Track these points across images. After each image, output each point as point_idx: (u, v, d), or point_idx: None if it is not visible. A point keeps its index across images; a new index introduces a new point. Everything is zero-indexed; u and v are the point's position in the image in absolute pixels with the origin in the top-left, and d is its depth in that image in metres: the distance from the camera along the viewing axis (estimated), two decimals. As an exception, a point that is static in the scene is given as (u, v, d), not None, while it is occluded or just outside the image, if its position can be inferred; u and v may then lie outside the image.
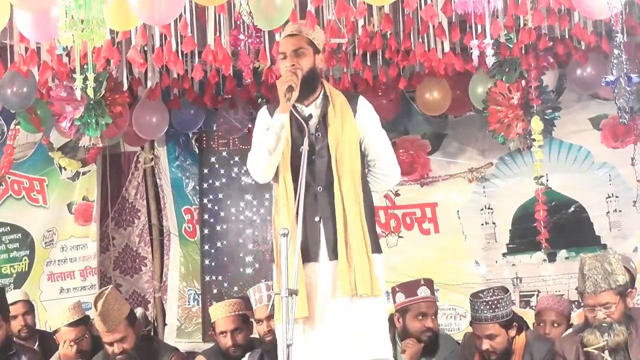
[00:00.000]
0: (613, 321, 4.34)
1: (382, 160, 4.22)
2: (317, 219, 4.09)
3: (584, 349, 4.39)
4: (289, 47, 4.12)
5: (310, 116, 4.12)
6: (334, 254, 4.06)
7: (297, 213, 3.88)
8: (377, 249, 4.16)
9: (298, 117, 4.13)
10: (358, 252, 4.00)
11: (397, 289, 5.22)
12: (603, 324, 4.34)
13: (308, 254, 4.07)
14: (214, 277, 7.12)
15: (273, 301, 4.86)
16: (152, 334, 6.89)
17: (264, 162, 4.09)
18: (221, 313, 5.42)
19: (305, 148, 3.96)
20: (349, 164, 4.07)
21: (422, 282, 5.18)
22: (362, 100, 4.23)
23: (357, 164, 4.11)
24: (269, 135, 4.07)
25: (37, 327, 6.39)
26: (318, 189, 4.10)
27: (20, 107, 5.95)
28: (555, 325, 5.31)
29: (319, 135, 4.12)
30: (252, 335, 5.51)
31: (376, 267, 4.06)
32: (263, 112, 4.24)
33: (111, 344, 5.11)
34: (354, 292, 3.98)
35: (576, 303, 5.83)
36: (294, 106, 4.12)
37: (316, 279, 4.08)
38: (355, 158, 4.10)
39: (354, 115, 4.15)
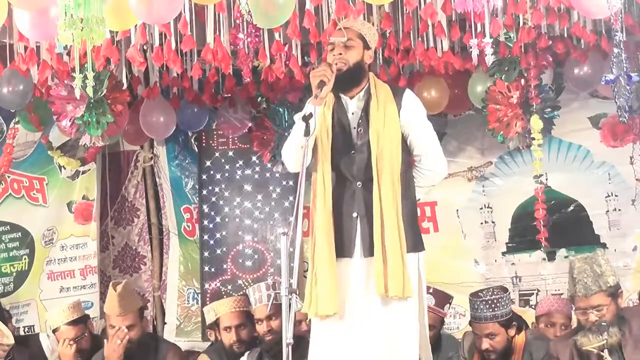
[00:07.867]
0: (605, 323, 4.33)
1: (428, 156, 4.16)
2: (354, 214, 4.05)
3: (584, 348, 4.38)
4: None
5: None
6: (368, 251, 4.01)
7: (297, 211, 3.79)
8: (415, 247, 4.09)
9: (340, 110, 4.08)
10: (392, 252, 3.94)
11: None
12: (602, 324, 4.33)
13: (342, 250, 4.04)
14: (213, 276, 7.12)
15: (273, 300, 4.87)
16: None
17: (293, 152, 4.08)
18: (226, 308, 5.43)
19: (306, 145, 3.88)
20: (389, 160, 4.01)
21: (430, 290, 5.19)
22: (407, 95, 4.18)
23: (397, 161, 4.04)
24: (299, 126, 4.01)
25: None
26: (357, 184, 4.07)
27: (17, 105, 5.94)
28: (563, 327, 5.31)
29: (360, 130, 4.08)
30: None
31: (410, 267, 3.99)
32: (307, 104, 4.13)
33: (116, 329, 5.14)
34: (387, 293, 3.94)
35: (575, 302, 5.84)
36: (338, 98, 4.09)
37: (348, 275, 4.04)
38: (396, 155, 4.04)
39: (399, 111, 4.09)
